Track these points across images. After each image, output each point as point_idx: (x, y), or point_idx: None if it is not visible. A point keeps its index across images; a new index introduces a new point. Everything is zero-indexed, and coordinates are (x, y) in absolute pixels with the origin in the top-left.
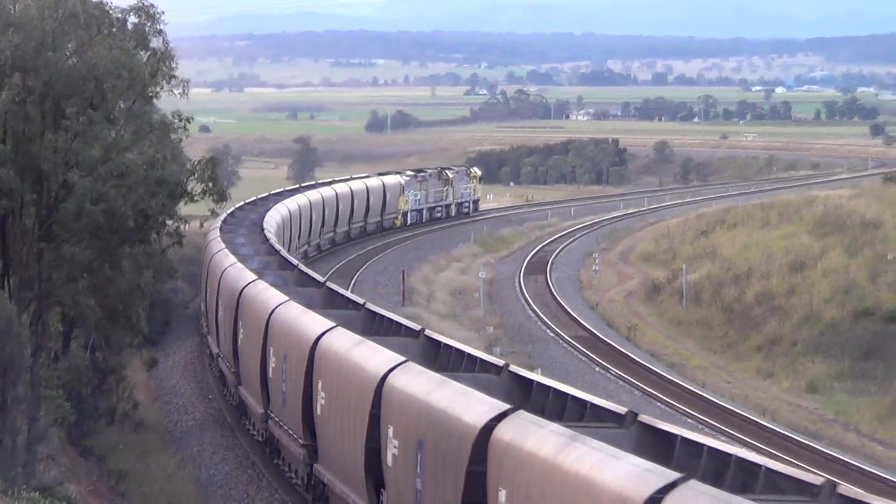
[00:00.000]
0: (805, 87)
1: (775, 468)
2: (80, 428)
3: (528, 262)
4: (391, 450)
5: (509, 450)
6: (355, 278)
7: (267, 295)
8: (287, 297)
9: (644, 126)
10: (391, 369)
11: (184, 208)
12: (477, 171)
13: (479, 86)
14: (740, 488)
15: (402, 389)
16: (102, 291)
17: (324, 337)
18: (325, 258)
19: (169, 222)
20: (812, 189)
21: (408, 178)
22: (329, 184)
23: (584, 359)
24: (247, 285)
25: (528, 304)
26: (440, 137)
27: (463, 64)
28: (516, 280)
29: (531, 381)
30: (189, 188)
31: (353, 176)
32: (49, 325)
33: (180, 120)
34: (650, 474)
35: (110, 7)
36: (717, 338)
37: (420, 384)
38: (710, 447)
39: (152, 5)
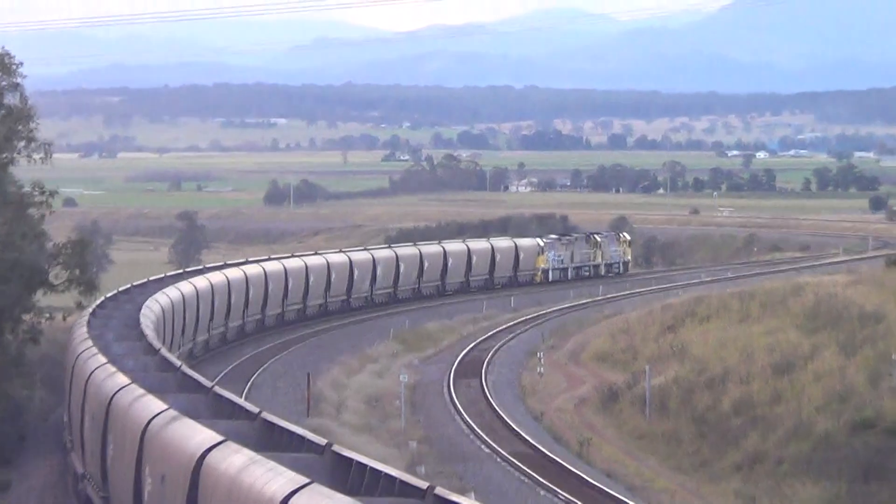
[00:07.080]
0: (792, 152)
1: (393, 474)
2: None
3: (460, 362)
4: None
5: (215, 475)
6: (251, 382)
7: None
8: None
9: (598, 198)
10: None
11: (44, 299)
12: (627, 236)
13: (401, 150)
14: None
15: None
16: None
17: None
18: (216, 359)
19: (25, 316)
20: (801, 274)
21: (549, 241)
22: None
23: (526, 480)
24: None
25: (459, 414)
26: (353, 212)
27: (381, 124)
28: (445, 385)
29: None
30: (52, 275)
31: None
32: None
33: (41, 192)
34: (288, 481)
35: None
36: (687, 454)
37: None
38: (357, 461)
39: (8, 54)
